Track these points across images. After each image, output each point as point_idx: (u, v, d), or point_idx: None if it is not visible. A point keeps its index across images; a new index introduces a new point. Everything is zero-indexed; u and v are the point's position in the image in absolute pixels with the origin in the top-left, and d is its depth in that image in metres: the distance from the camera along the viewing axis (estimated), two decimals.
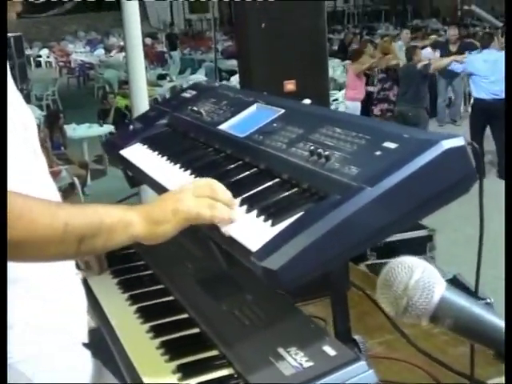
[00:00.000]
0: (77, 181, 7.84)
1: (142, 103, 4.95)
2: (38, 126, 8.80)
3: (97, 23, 30.00)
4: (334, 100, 10.01)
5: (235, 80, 12.34)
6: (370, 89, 10.02)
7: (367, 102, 9.89)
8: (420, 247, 4.40)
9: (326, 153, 1.26)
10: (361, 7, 33.25)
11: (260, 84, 3.20)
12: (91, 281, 1.83)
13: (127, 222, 1.20)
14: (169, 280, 1.74)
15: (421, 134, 1.21)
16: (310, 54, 3.23)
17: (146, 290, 1.73)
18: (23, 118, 1.39)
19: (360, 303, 2.39)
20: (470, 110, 9.77)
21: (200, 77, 14.49)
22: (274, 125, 1.54)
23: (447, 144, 1.11)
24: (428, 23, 23.85)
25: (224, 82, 12.59)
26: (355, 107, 9.54)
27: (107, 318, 1.64)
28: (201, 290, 1.63)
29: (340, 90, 10.84)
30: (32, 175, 1.37)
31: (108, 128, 9.46)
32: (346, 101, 9.78)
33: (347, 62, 11.55)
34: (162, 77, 14.82)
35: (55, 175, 7.40)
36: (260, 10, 3.23)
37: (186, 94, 2.10)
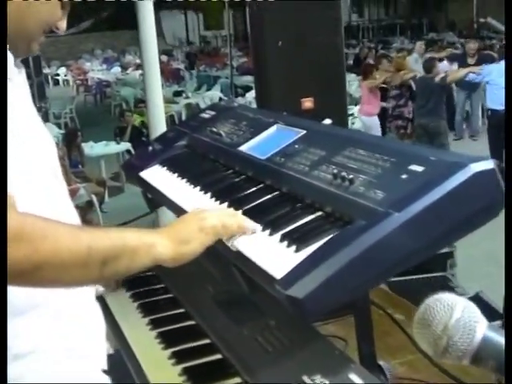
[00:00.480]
0: (94, 198, 7.85)
1: (158, 120, 4.97)
2: (57, 143, 8.85)
3: (113, 41, 30.29)
4: (349, 115, 9.93)
5: (251, 96, 12.37)
6: (384, 105, 9.89)
7: (383, 117, 9.80)
8: (441, 264, 4.34)
9: (350, 176, 1.24)
10: (376, 21, 33.30)
11: (277, 102, 3.19)
12: (111, 303, 1.81)
13: (150, 243, 1.19)
14: (189, 304, 1.72)
15: (448, 156, 1.18)
16: (327, 71, 3.21)
17: (167, 314, 1.71)
18: (43, 142, 1.38)
19: (380, 322, 2.35)
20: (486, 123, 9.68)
21: (215, 93, 14.54)
22: (296, 146, 1.52)
23: (476, 167, 1.08)
24: (444, 36, 23.81)
25: (239, 98, 12.64)
26: (371, 122, 9.40)
27: (127, 343, 1.62)
28: (222, 314, 1.61)
29: (356, 104, 10.75)
30: (53, 200, 1.36)
31: (125, 145, 9.50)
32: (362, 116, 9.60)
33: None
34: (177, 94, 14.89)
35: (73, 193, 7.42)
36: (276, 29, 3.24)
37: (205, 115, 2.09)
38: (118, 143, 9.50)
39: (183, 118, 13.16)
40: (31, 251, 1.06)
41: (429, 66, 8.73)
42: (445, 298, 0.84)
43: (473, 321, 0.81)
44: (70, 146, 8.59)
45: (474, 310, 0.83)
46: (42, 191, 1.32)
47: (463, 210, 1.09)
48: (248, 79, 15.03)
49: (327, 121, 1.78)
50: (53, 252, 1.09)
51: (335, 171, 1.29)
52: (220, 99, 13.92)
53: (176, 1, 31.55)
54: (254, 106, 8.80)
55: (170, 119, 12.38)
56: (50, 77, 21.91)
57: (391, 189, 1.15)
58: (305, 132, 1.57)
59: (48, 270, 1.10)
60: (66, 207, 1.44)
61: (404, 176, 1.16)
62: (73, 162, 8.39)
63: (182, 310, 1.71)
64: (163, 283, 1.88)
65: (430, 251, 1.12)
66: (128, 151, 9.51)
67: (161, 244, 1.20)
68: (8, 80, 1.31)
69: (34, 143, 1.32)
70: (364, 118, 9.45)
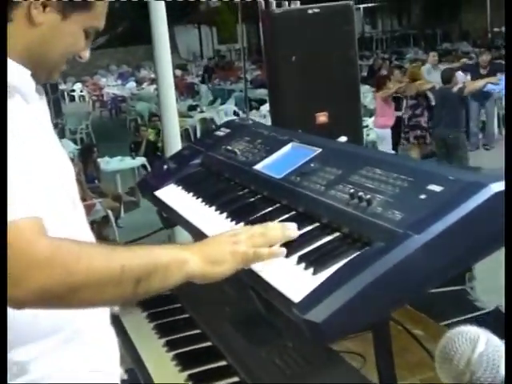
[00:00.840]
0: (110, 213, 7.87)
1: (173, 134, 4.97)
2: (72, 159, 8.91)
3: (128, 57, 30.51)
4: (364, 127, 9.85)
5: (265, 109, 12.38)
6: (399, 114, 9.81)
7: (397, 128, 9.74)
8: (459, 278, 4.28)
9: (368, 196, 1.22)
10: (389, 32, 33.26)
11: (292, 117, 3.19)
12: (127, 323, 1.80)
13: (182, 260, 1.20)
14: (206, 324, 1.70)
15: (467, 175, 1.16)
16: (341, 85, 3.20)
17: (183, 335, 1.69)
18: (61, 167, 1.39)
19: (399, 338, 2.31)
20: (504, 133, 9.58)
21: (230, 107, 14.58)
22: (311, 165, 1.50)
23: (496, 187, 1.06)
24: (458, 46, 23.72)
25: (254, 111, 12.65)
26: (385, 134, 9.33)
27: (143, 364, 1.61)
28: (239, 335, 1.59)
29: (370, 116, 10.70)
30: (71, 225, 1.36)
31: (140, 160, 9.53)
32: (376, 128, 9.46)
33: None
34: (192, 108, 14.94)
35: (89, 208, 7.44)
36: (290, 44, 3.23)
37: (220, 133, 2.08)
38: (134, 158, 9.53)
39: (198, 132, 13.21)
40: (66, 275, 1.07)
41: (447, 76, 8.59)
42: (467, 330, 0.81)
43: (496, 355, 0.78)
44: (85, 161, 8.63)
45: (497, 343, 0.80)
46: (61, 217, 1.32)
47: (484, 231, 1.07)
48: (262, 92, 15.04)
49: (342, 138, 1.77)
50: (87, 274, 1.09)
51: (352, 191, 1.27)
52: (234, 113, 13.95)
53: (190, 15, 31.80)
54: (269, 119, 8.83)
55: (185, 133, 12.41)
56: (66, 93, 22.10)
57: (410, 209, 1.13)
58: (320, 150, 1.55)
59: (84, 292, 1.10)
60: (84, 233, 1.44)
61: (422, 196, 1.14)
62: (89, 178, 8.42)
63: (198, 331, 1.70)
64: (179, 303, 1.86)
65: (451, 273, 1.09)
66: (143, 166, 9.55)
67: (192, 261, 1.19)
68: (29, 104, 1.32)
69: (53, 169, 1.32)
70: (378, 130, 9.39)
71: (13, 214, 1.08)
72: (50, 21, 1.29)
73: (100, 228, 7.71)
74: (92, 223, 7.89)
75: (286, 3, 5.01)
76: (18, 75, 1.28)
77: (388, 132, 9.30)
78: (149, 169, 9.49)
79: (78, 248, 1.12)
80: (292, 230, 1.26)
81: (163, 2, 4.61)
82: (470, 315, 3.00)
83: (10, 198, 1.09)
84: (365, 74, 16.71)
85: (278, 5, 5.16)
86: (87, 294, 1.12)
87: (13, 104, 1.26)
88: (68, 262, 1.08)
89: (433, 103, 8.99)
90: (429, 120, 8.97)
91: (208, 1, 33.63)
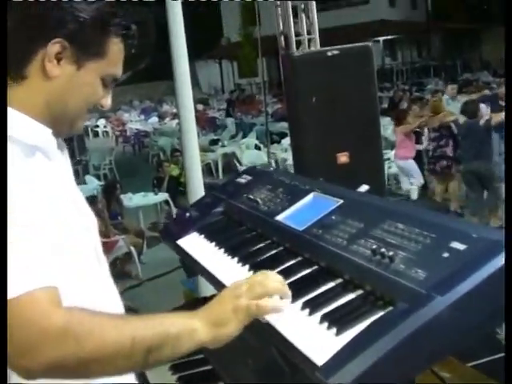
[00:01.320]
0: (133, 250, 7.89)
1: (194, 169, 5.00)
2: (96, 196, 8.99)
3: (150, 92, 30.96)
4: (385, 159, 9.80)
5: (286, 143, 12.43)
6: (419, 147, 9.73)
7: (418, 160, 9.69)
8: None
9: (390, 253, 1.22)
10: (409, 64, 33.37)
11: (313, 158, 3.20)
12: (150, 374, 1.79)
13: (192, 329, 1.20)
14: (229, 377, 1.69)
15: (491, 232, 1.16)
16: (362, 126, 3.22)
17: None
18: (86, 222, 1.39)
19: (426, 380, 2.28)
20: None
21: (251, 140, 14.64)
22: (333, 217, 1.50)
23: None
24: (479, 76, 23.67)
25: (275, 145, 12.69)
26: (409, 166, 9.30)
27: None
28: None
29: (392, 149, 10.61)
30: (95, 281, 1.37)
31: (162, 196, 9.58)
32: (398, 160, 9.46)
33: None
34: (213, 142, 15.04)
35: (112, 245, 7.48)
36: (310, 85, 3.26)
37: (241, 180, 2.09)
38: (156, 194, 9.59)
39: (219, 166, 13.28)
40: (77, 349, 1.08)
41: (472, 110, 8.38)
42: None
43: None
44: (109, 198, 8.68)
45: None
46: (85, 273, 1.32)
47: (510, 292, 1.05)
48: (283, 125, 15.13)
49: (364, 187, 1.77)
50: (98, 348, 1.10)
51: (374, 246, 1.27)
52: (256, 146, 14.02)
53: (211, 51, 32.24)
54: (290, 153, 8.84)
55: (207, 168, 12.49)
56: (89, 129, 22.40)
57: (433, 268, 1.12)
58: (342, 202, 1.55)
59: (95, 365, 1.11)
60: (108, 288, 1.44)
61: (445, 254, 1.14)
62: (112, 214, 8.47)
63: None
64: (202, 354, 1.85)
65: (476, 334, 1.08)
66: (166, 201, 9.60)
67: (199, 329, 1.20)
68: (50, 161, 1.33)
69: (74, 226, 1.32)
70: (400, 162, 9.38)
71: (29, 283, 1.08)
72: (66, 72, 1.28)
73: (123, 264, 7.73)
74: (115, 260, 7.92)
75: (306, 43, 5.09)
76: (39, 135, 1.28)
77: (412, 163, 9.25)
78: (171, 204, 9.55)
79: (90, 319, 1.12)
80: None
81: (184, 38, 4.69)
82: (498, 355, 2.93)
83: (26, 265, 1.10)
84: (385, 105, 16.74)
85: (298, 43, 5.23)
86: (98, 367, 1.12)
87: (34, 163, 1.27)
88: (80, 336, 1.08)
89: (455, 132, 8.86)
90: (454, 150, 8.83)
91: (228, 36, 34.16)
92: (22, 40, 1.27)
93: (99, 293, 1.36)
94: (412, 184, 9.25)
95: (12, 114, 1.26)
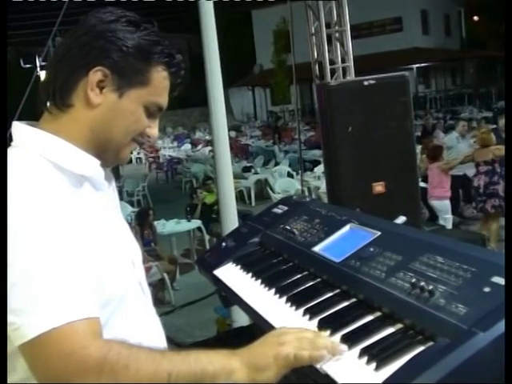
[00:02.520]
0: (166, 276, 7.92)
1: (228, 196, 5.01)
2: (129, 223, 9.07)
3: (184, 119, 31.34)
4: None
5: (319, 170, 12.41)
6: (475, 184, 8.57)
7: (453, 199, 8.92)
8: None
9: (430, 287, 1.21)
10: (443, 91, 33.24)
11: (349, 187, 3.20)
12: None
13: (230, 370, 1.18)
14: None
15: None
16: (398, 156, 3.22)
17: None
18: (132, 255, 1.41)
19: None
20: None
21: (284, 168, 14.68)
22: (371, 249, 1.50)
23: None
24: None
25: (308, 173, 12.68)
26: (444, 207, 8.60)
27: None
28: None
29: (421, 178, 10.05)
30: (139, 313, 1.38)
31: (196, 223, 9.63)
32: (433, 200, 8.66)
33: None
34: (246, 169, 15.11)
35: (146, 271, 7.51)
36: (346, 114, 3.28)
37: (278, 210, 2.10)
38: (189, 221, 9.64)
39: (252, 193, 13.31)
40: (113, 382, 1.08)
41: None
42: None
43: None
44: (142, 224, 8.76)
45: None
46: (132, 306, 1.33)
47: None
48: (316, 153, 15.14)
49: (401, 218, 1.76)
50: (134, 382, 1.10)
51: (413, 280, 1.26)
52: (288, 174, 14.04)
53: (244, 78, 32.52)
54: (323, 180, 8.79)
55: (239, 194, 12.53)
56: None
57: (474, 303, 1.11)
58: (379, 234, 1.55)
59: None
60: (152, 320, 1.45)
61: (486, 289, 1.13)
62: (145, 241, 8.53)
63: None
64: None
65: None
66: (199, 228, 9.64)
67: (238, 370, 1.18)
68: (97, 191, 1.35)
69: (120, 258, 1.34)
70: (435, 202, 8.70)
71: (71, 313, 1.09)
72: (108, 101, 1.29)
73: (156, 291, 7.76)
74: (148, 286, 7.96)
75: (341, 72, 5.11)
76: (88, 165, 1.31)
77: (447, 204, 8.67)
78: (204, 231, 9.59)
79: (128, 353, 1.12)
80: (342, 349, 1.22)
81: (219, 65, 4.75)
82: None
83: (68, 295, 1.11)
84: (419, 133, 16.65)
85: (332, 71, 5.26)
86: None
87: (81, 193, 1.30)
88: (116, 369, 1.09)
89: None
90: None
91: (261, 64, 34.45)
92: (67, 69, 1.30)
93: (143, 326, 1.37)
94: (446, 219, 8.57)
95: (60, 143, 1.29)
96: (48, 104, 1.33)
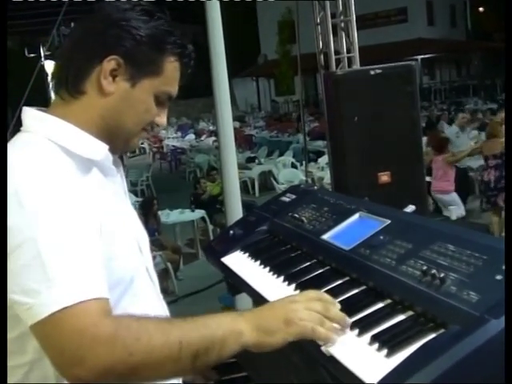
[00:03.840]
0: (170, 266, 7.94)
1: (232, 186, 5.02)
2: None
3: (187, 109, 31.28)
4: None
5: (323, 161, 12.40)
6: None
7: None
8: None
9: (441, 274, 1.21)
10: (447, 83, 33.12)
11: (354, 177, 3.20)
12: None
13: (238, 331, 1.20)
14: None
15: None
16: (404, 145, 3.21)
17: None
18: (139, 241, 1.41)
19: None
20: None
21: (288, 158, 14.66)
22: (381, 237, 1.50)
23: None
24: None
25: (312, 163, 12.66)
26: (451, 199, 8.34)
27: None
28: None
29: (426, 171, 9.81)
30: (147, 298, 1.39)
31: (200, 213, 9.63)
32: (437, 194, 8.41)
33: None
34: (250, 160, 15.09)
35: None
36: (352, 105, 3.27)
37: (285, 198, 2.10)
38: (193, 211, 9.64)
39: (256, 184, 13.31)
40: (126, 355, 1.10)
41: None
42: None
43: None
44: (146, 214, 8.76)
45: None
46: (139, 291, 1.34)
47: None
48: (320, 144, 15.11)
49: (410, 207, 1.76)
50: (147, 353, 1.11)
51: (424, 268, 1.26)
52: (292, 164, 14.02)
53: (248, 68, 32.45)
54: (327, 171, 8.77)
55: (243, 185, 12.53)
56: None
57: (486, 291, 1.11)
58: (389, 222, 1.55)
59: (144, 370, 1.12)
60: (158, 304, 1.45)
61: (499, 277, 1.12)
62: (149, 230, 8.52)
63: None
64: (245, 371, 1.85)
65: None
66: (202, 218, 9.64)
67: (246, 331, 1.20)
68: (106, 177, 1.35)
69: (127, 241, 1.34)
70: (440, 195, 8.46)
71: (82, 293, 1.11)
72: (121, 89, 1.31)
73: (160, 280, 7.76)
74: None
75: (346, 62, 5.09)
76: (96, 149, 1.31)
77: (454, 196, 8.42)
78: (207, 221, 9.59)
79: (137, 325, 1.14)
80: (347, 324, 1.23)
81: (224, 56, 4.74)
82: None
83: (80, 275, 1.12)
84: (423, 124, 16.60)
85: (337, 61, 5.24)
86: (147, 372, 1.14)
87: (90, 177, 1.30)
88: (128, 342, 1.10)
89: None
90: None
91: (266, 54, 34.37)
92: (81, 56, 1.31)
93: (151, 310, 1.37)
94: (450, 210, 8.36)
95: (69, 128, 1.29)
96: (59, 91, 1.34)
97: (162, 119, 1.40)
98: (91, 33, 1.31)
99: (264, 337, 1.20)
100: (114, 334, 1.10)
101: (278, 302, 1.28)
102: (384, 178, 3.25)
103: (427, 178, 7.88)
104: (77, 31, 1.36)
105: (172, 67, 1.34)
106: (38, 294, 1.10)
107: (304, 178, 10.06)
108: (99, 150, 1.32)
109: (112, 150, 1.36)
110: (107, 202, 1.31)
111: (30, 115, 1.33)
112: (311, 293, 1.31)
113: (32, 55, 16.26)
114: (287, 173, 12.79)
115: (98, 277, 1.15)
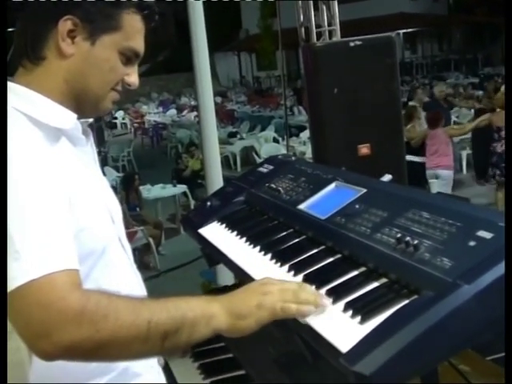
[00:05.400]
0: (152, 241, 7.94)
1: (213, 161, 5.00)
2: (115, 187, 9.03)
3: (169, 84, 31.04)
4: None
5: (305, 136, 12.40)
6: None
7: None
8: None
9: (415, 242, 1.21)
10: (429, 57, 33.13)
11: (334, 149, 3.19)
12: (171, 361, 1.80)
13: (210, 315, 1.19)
14: (250, 365, 1.69)
15: None
16: (383, 117, 3.20)
17: (227, 375, 1.69)
18: (111, 210, 1.39)
19: (445, 375, 2.26)
20: None
21: (270, 133, 14.64)
22: (356, 206, 1.49)
23: None
24: (500, 70, 23.41)
25: (294, 138, 12.65)
26: (451, 177, 7.87)
27: None
28: (284, 377, 1.58)
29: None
30: (120, 268, 1.38)
31: (181, 188, 9.62)
32: (440, 169, 7.77)
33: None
34: (232, 135, 15.05)
35: (131, 236, 7.50)
36: (332, 76, 3.25)
37: (263, 169, 2.08)
38: (175, 186, 9.62)
39: (238, 159, 13.29)
40: (93, 332, 1.08)
41: None
42: None
43: None
44: (127, 189, 8.73)
45: None
46: (110, 261, 1.33)
47: None
48: (302, 119, 15.09)
49: (387, 177, 1.75)
50: (114, 331, 1.10)
51: (399, 235, 1.26)
52: (274, 139, 14.00)
53: (229, 43, 32.20)
54: (309, 145, 8.77)
55: (225, 160, 12.50)
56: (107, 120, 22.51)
57: (459, 257, 1.11)
58: (365, 191, 1.54)
59: (111, 348, 1.11)
60: (131, 274, 1.44)
61: (472, 243, 1.12)
62: (130, 206, 8.50)
63: (242, 372, 1.69)
64: (223, 342, 1.86)
65: (503, 324, 1.06)
66: (184, 193, 9.63)
67: (219, 315, 1.19)
68: (75, 147, 1.33)
69: (100, 213, 1.32)
70: (445, 171, 7.83)
71: (49, 265, 1.09)
72: (81, 49, 1.27)
73: (141, 255, 7.77)
74: (133, 251, 7.95)
75: (327, 35, 5.06)
76: (64, 118, 1.28)
77: (451, 174, 7.96)
78: (189, 196, 9.58)
79: (107, 302, 1.12)
80: (325, 303, 1.22)
81: (204, 30, 4.68)
82: None
83: (46, 247, 1.10)
84: (404, 99, 16.58)
85: (318, 35, 5.20)
86: (114, 351, 1.13)
87: (58, 147, 1.27)
88: (96, 319, 1.09)
89: None
90: None
91: (247, 29, 34.11)
92: (36, 21, 1.28)
93: (124, 280, 1.37)
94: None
95: (34, 96, 1.26)
96: (20, 59, 1.31)
97: (132, 78, 1.35)
98: None
99: (236, 320, 1.20)
100: (81, 308, 1.08)
101: (252, 286, 1.27)
102: (364, 150, 3.25)
103: (414, 158, 7.58)
104: None
105: (131, 20, 1.29)
106: (7, 267, 1.08)
107: (286, 153, 10.03)
108: (67, 118, 1.29)
109: (83, 114, 1.34)
110: (77, 172, 1.29)
111: None
112: (292, 284, 1.28)
113: (10, 29, 16.00)
114: (269, 148, 12.76)
115: (66, 248, 1.13)
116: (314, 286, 1.28)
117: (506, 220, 1.13)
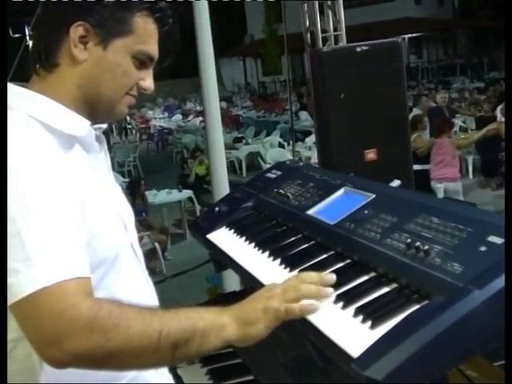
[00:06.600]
0: (158, 246, 7.94)
1: (219, 166, 5.00)
2: None
3: (175, 89, 31.05)
4: None
5: (310, 141, 12.39)
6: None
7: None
8: None
9: (425, 247, 1.20)
10: (435, 62, 33.09)
11: (340, 154, 3.20)
12: (181, 369, 1.80)
13: (220, 325, 1.20)
14: (258, 370, 1.69)
15: None
16: (390, 122, 3.20)
17: (236, 381, 1.69)
18: (124, 217, 1.39)
19: (452, 380, 2.25)
20: None
21: (275, 138, 14.63)
22: (365, 212, 1.49)
23: None
24: None
25: (299, 143, 12.65)
26: (459, 189, 7.53)
27: None
28: (292, 381, 1.57)
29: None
30: (132, 275, 1.38)
31: (187, 193, 9.62)
32: (444, 182, 7.45)
33: None
34: (237, 140, 15.05)
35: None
36: (338, 81, 3.25)
37: (271, 175, 2.09)
38: (181, 191, 9.62)
39: (243, 164, 13.29)
40: (104, 340, 1.08)
41: None
42: None
43: None
44: (133, 194, 8.73)
45: None
46: (124, 269, 1.33)
47: None
48: (307, 124, 15.08)
49: (396, 182, 1.75)
50: (125, 341, 1.10)
51: (409, 240, 1.26)
52: (280, 144, 14.00)
53: (235, 48, 32.24)
54: (315, 150, 8.77)
55: (230, 165, 12.50)
56: (113, 126, 22.52)
57: (470, 262, 1.11)
58: (374, 196, 1.54)
59: (120, 357, 1.11)
60: (145, 282, 1.44)
61: (483, 248, 1.12)
62: (136, 211, 8.51)
63: (250, 378, 1.69)
64: (232, 347, 1.85)
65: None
66: (189, 199, 9.63)
67: (228, 325, 1.20)
68: (89, 154, 1.33)
69: (112, 218, 1.32)
70: (451, 184, 7.49)
71: (61, 273, 1.09)
72: (93, 55, 1.27)
73: (147, 261, 7.75)
74: None
75: (333, 40, 5.06)
76: (78, 125, 1.29)
77: (460, 186, 7.65)
78: (195, 201, 9.58)
79: (118, 311, 1.12)
80: (328, 291, 1.24)
81: (210, 35, 4.69)
82: None
83: (60, 254, 1.10)
84: (410, 104, 16.54)
85: (324, 40, 5.20)
86: (124, 360, 1.13)
87: (72, 154, 1.28)
88: (107, 327, 1.09)
89: None
90: None
91: (252, 34, 34.15)
92: (48, 29, 1.29)
93: (136, 287, 1.37)
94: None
95: (48, 103, 1.27)
96: (35, 67, 1.32)
97: (147, 83, 1.35)
98: (54, 3, 1.28)
99: (245, 328, 1.21)
100: (93, 317, 1.08)
101: (258, 292, 1.29)
102: (370, 155, 3.25)
103: (425, 166, 7.38)
104: (42, 5, 1.34)
105: (143, 23, 1.29)
106: (18, 273, 1.08)
107: (291, 158, 10.01)
108: (81, 125, 1.29)
109: (98, 120, 1.34)
110: (90, 179, 1.29)
111: (12, 92, 1.30)
112: (291, 280, 1.30)
113: (17, 35, 16.06)
114: (274, 153, 12.77)
115: (78, 256, 1.13)
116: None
117: (506, 220, 1.12)
